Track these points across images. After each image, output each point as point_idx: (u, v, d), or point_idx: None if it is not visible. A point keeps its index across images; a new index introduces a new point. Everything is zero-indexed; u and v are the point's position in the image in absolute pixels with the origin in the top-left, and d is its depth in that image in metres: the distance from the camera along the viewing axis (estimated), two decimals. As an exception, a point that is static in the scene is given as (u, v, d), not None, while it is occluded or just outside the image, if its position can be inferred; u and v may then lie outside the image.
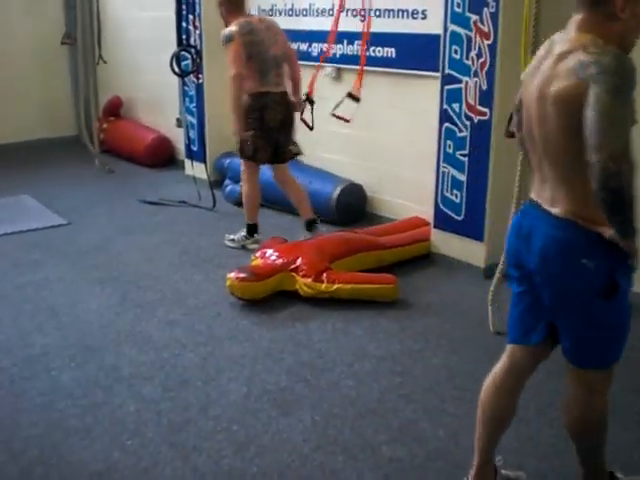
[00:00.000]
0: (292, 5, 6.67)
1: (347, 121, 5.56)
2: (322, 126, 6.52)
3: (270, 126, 5.34)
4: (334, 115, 5.59)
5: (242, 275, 4.55)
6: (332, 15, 6.25)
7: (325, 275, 4.57)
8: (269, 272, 4.64)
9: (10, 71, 9.35)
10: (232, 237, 5.76)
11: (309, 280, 4.56)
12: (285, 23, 6.69)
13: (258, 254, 4.94)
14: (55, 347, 4.10)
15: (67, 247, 5.79)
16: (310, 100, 5.56)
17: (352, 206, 6.21)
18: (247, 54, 5.21)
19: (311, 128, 5.63)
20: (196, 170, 7.20)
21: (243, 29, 5.22)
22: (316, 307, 4.54)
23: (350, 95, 5.61)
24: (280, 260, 4.75)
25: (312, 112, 5.64)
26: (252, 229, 5.69)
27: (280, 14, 6.80)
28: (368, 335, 4.22)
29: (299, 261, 4.67)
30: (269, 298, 4.63)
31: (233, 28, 5.25)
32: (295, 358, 3.94)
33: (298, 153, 5.67)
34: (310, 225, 5.65)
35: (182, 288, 4.93)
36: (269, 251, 4.91)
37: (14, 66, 9.37)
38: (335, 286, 4.54)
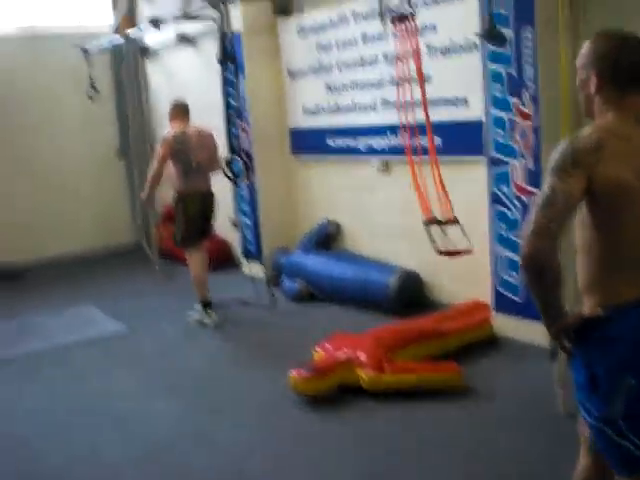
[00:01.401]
0: (336, 103, 6.86)
1: (459, 253, 4.98)
2: (373, 216, 6.63)
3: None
4: (446, 253, 4.94)
5: (304, 372, 4.55)
6: (374, 110, 6.42)
7: (387, 366, 4.54)
8: (331, 367, 4.63)
9: (68, 185, 9.81)
10: (191, 312, 6.53)
11: (372, 372, 4.53)
12: (330, 121, 6.93)
13: (320, 349, 4.95)
14: (125, 456, 4.13)
15: (132, 354, 5.90)
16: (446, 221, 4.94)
17: (410, 294, 6.21)
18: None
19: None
20: (254, 269, 7.32)
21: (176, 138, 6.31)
22: (380, 399, 4.49)
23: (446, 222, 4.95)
24: (341, 354, 4.74)
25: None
26: (206, 304, 6.46)
27: (325, 112, 7.00)
28: (435, 425, 4.15)
29: (360, 354, 4.65)
30: (333, 394, 4.61)
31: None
32: (363, 454, 3.90)
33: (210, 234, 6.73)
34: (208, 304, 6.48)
35: (246, 389, 4.95)
36: (330, 346, 4.91)
37: (71, 181, 9.84)
38: (398, 376, 4.50)
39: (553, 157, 2.21)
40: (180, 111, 6.51)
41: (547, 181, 2.19)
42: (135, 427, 4.52)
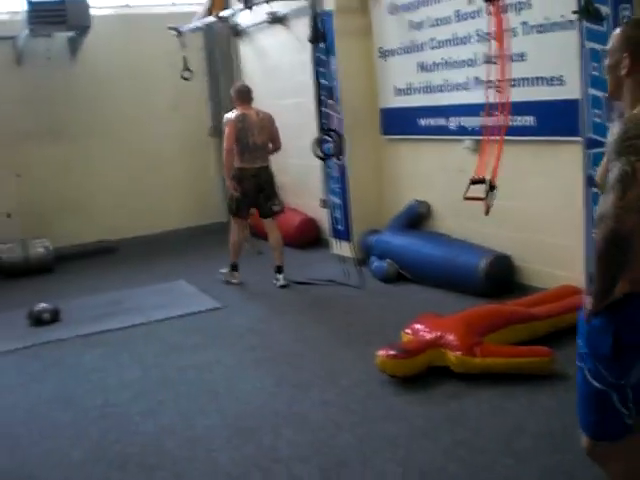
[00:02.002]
0: (428, 82, 6.78)
1: (482, 199, 5.28)
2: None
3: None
4: (468, 198, 5.34)
5: (392, 352, 4.56)
6: (467, 89, 6.32)
7: (477, 349, 4.50)
8: (420, 348, 4.62)
9: (162, 165, 10.07)
10: (222, 270, 7.41)
11: (461, 355, 4.50)
12: (421, 100, 6.86)
13: (409, 330, 4.94)
14: (215, 428, 4.25)
15: (223, 330, 6.03)
16: (492, 186, 5.23)
17: (500, 277, 6.12)
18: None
19: (486, 213, 5.28)
20: (342, 249, 7.36)
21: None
22: (469, 383, 4.47)
23: (484, 182, 5.26)
24: (430, 335, 4.73)
25: (488, 197, 5.20)
26: (234, 267, 7.31)
27: (416, 92, 6.94)
28: (525, 411, 4.10)
29: (449, 336, 4.63)
30: (421, 375, 4.60)
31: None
32: (450, 437, 3.88)
33: (279, 211, 7.28)
34: (279, 270, 7.18)
35: (334, 367, 4.99)
36: (419, 327, 4.91)
37: (165, 160, 10.09)
38: (488, 360, 4.46)
39: (618, 138, 2.22)
40: (243, 94, 7.13)
41: (618, 160, 2.20)
42: (226, 401, 4.63)
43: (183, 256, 8.88)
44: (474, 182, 5.26)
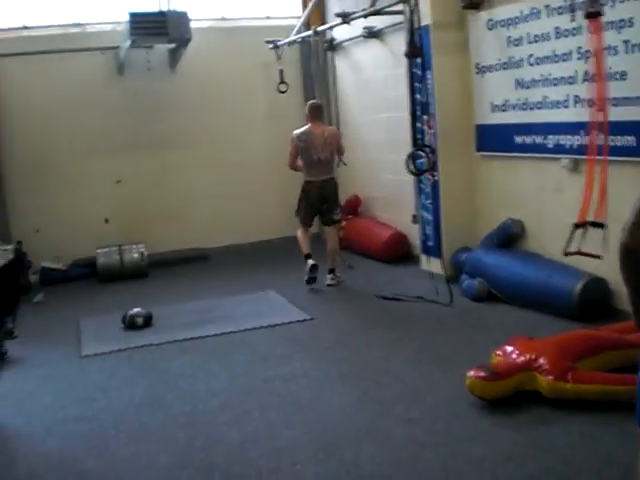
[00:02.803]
0: (525, 99, 6.66)
1: (597, 257, 5.17)
2: (560, 217, 6.39)
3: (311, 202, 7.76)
4: (573, 253, 5.20)
5: (482, 374, 4.47)
6: (567, 107, 6.18)
7: (570, 375, 4.37)
8: (510, 371, 4.52)
9: (256, 176, 10.25)
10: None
11: (552, 380, 4.38)
12: (518, 117, 6.74)
13: (499, 352, 4.85)
14: (299, 441, 4.26)
15: (311, 342, 6.06)
16: (596, 224, 5.15)
17: (595, 301, 5.93)
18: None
19: (597, 257, 5.21)
20: (432, 265, 7.29)
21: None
22: (559, 409, 4.34)
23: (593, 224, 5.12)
24: (521, 358, 4.62)
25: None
26: (307, 256, 7.76)
27: (513, 108, 6.82)
28: (617, 441, 3.94)
29: (541, 360, 4.51)
30: (510, 398, 4.50)
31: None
32: (538, 464, 3.77)
33: (339, 220, 7.95)
34: (331, 272, 7.80)
35: (420, 385, 4.94)
36: (510, 349, 4.80)
37: (256, 172, 10.25)
38: (581, 387, 4.32)
39: None
40: (312, 111, 7.71)
41: None
42: (310, 414, 4.64)
43: (274, 266, 8.99)
44: (579, 225, 5.03)
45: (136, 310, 6.91)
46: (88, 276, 9.18)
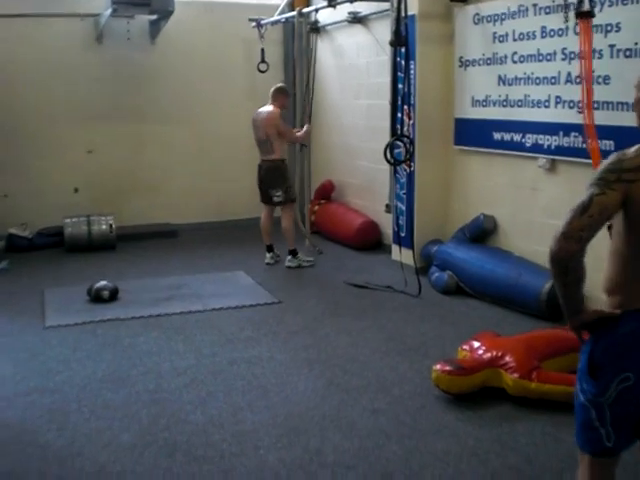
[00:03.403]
0: (506, 96, 6.67)
1: None
2: (533, 216, 6.44)
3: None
4: None
5: (448, 368, 4.49)
6: (547, 107, 6.20)
7: (535, 374, 4.41)
8: (476, 367, 4.54)
9: (228, 155, 10.15)
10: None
11: (517, 378, 4.41)
12: (498, 114, 6.75)
13: (466, 347, 4.87)
14: (264, 425, 4.24)
15: (278, 326, 6.04)
16: None
17: (563, 301, 5.97)
18: None
19: None
20: (403, 255, 7.30)
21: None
22: (524, 407, 4.38)
23: None
24: (488, 355, 4.65)
25: None
26: (267, 248, 8.10)
27: (494, 105, 6.83)
28: (580, 442, 3.99)
29: (508, 357, 4.54)
30: (475, 393, 4.53)
31: None
32: (501, 460, 3.81)
33: (280, 202, 7.88)
34: (289, 253, 7.93)
35: (387, 376, 4.95)
36: (477, 344, 4.83)
37: (231, 151, 10.14)
38: (545, 387, 4.36)
39: (599, 168, 2.41)
40: (272, 93, 7.88)
41: (588, 188, 2.37)
42: (276, 399, 4.62)
43: (245, 247, 8.93)
44: None
45: (102, 283, 6.83)
46: (55, 245, 9.04)
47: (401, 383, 4.82)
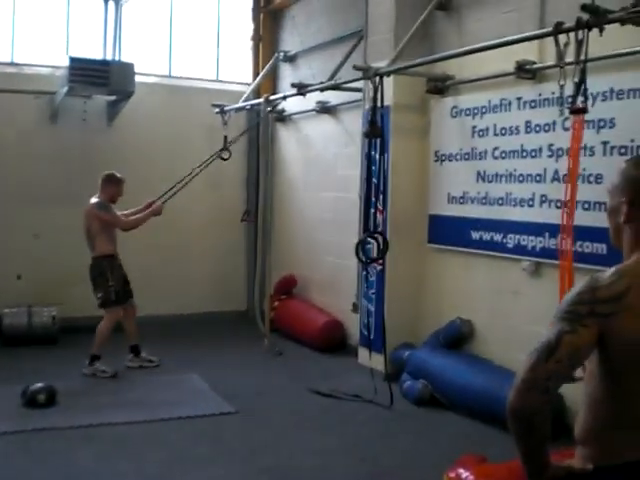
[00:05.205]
0: (486, 193, 6.29)
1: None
2: (514, 322, 6.00)
3: None
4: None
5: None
6: (532, 206, 5.82)
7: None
8: (467, 502, 3.96)
9: (186, 244, 9.61)
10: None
11: (514, 516, 3.83)
12: (477, 212, 6.37)
13: (452, 474, 4.28)
14: None
15: (236, 441, 5.37)
16: None
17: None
18: None
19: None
20: (371, 360, 6.72)
21: None
22: None
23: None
24: (477, 486, 4.06)
25: None
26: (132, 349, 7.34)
27: (472, 202, 6.44)
28: None
29: (502, 491, 3.97)
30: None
31: None
32: None
33: (100, 304, 7.23)
34: (91, 358, 7.00)
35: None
36: (464, 473, 4.24)
37: (190, 240, 9.64)
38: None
39: (568, 297, 2.01)
40: (100, 182, 7.25)
41: (555, 323, 1.96)
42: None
43: (198, 345, 8.28)
44: None
45: (38, 385, 6.11)
46: (-10, 337, 8.30)
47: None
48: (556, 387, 1.92)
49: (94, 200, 7.17)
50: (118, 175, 7.36)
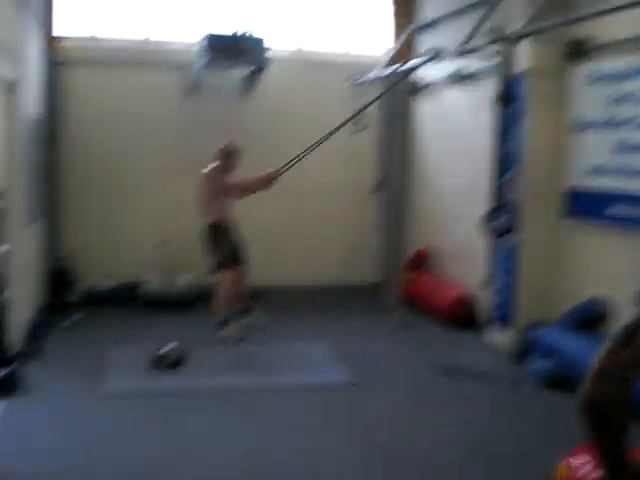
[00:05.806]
0: (628, 164, 5.84)
1: None
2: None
3: None
4: None
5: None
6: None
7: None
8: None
9: (320, 215, 9.68)
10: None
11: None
12: (618, 184, 5.96)
13: (569, 462, 4.01)
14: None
15: (350, 414, 5.33)
16: None
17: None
18: None
19: None
20: (500, 336, 6.48)
21: None
22: None
23: None
24: (593, 475, 3.79)
25: None
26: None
27: (613, 174, 6.01)
28: None
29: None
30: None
31: None
32: None
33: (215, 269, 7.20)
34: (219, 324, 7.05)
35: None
36: (579, 461, 3.97)
37: (324, 211, 9.69)
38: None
39: None
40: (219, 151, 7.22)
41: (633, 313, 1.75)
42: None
43: (325, 315, 8.32)
44: None
45: (169, 348, 6.33)
46: (133, 300, 8.68)
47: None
48: (633, 377, 1.72)
49: (209, 167, 7.23)
50: (233, 146, 7.33)
